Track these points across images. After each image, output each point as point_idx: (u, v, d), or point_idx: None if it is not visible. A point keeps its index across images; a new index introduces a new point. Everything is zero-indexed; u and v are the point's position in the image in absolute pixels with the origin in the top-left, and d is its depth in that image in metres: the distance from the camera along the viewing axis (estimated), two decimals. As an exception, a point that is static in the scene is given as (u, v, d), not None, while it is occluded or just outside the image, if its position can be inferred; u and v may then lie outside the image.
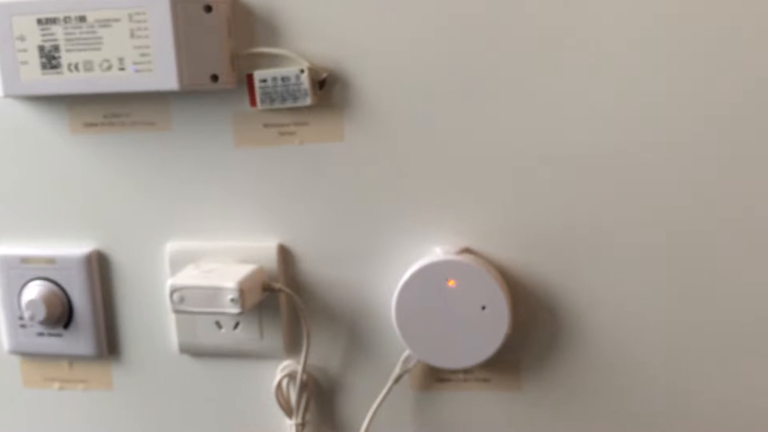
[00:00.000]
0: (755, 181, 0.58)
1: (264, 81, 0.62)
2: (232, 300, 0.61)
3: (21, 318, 0.71)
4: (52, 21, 0.62)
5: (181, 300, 0.62)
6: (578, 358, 0.64)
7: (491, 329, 0.61)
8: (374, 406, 0.65)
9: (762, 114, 0.57)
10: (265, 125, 0.65)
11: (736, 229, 0.59)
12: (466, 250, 0.63)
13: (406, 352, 0.64)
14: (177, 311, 0.62)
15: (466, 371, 0.66)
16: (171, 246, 0.68)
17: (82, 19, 0.61)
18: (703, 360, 0.62)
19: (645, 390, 0.63)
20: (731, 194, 0.59)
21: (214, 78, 0.62)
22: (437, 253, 0.63)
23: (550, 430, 0.65)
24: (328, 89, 0.63)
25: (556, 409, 0.65)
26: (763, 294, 0.60)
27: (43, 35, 0.62)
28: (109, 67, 0.62)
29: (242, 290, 0.61)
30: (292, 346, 0.68)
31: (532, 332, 0.64)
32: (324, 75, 0.62)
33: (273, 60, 0.63)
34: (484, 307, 0.61)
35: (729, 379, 0.62)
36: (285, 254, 0.67)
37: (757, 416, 0.62)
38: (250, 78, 0.63)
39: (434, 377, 0.66)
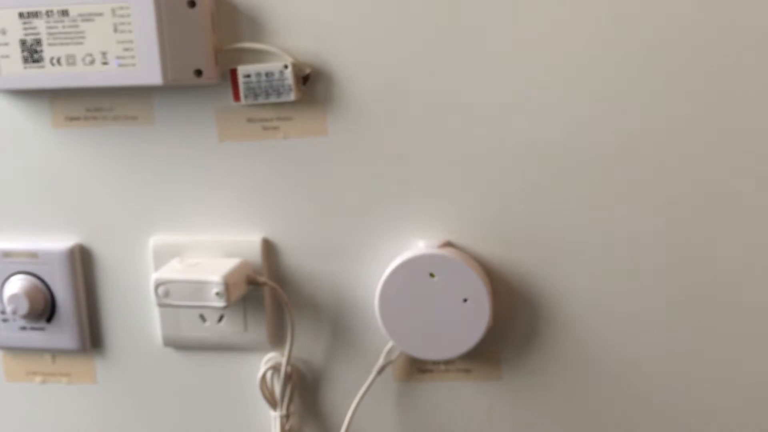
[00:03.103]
0: (732, 175, 0.60)
1: (248, 76, 0.63)
2: (218, 294, 0.61)
3: (3, 312, 0.70)
4: (34, 15, 0.61)
5: (166, 294, 0.62)
6: (556, 348, 0.65)
7: (472, 321, 0.62)
8: (358, 396, 0.66)
9: (734, 110, 0.59)
10: (249, 120, 0.65)
11: (714, 221, 0.61)
12: (448, 244, 0.64)
13: (389, 344, 0.65)
14: (162, 305, 0.62)
15: (447, 362, 0.67)
16: (154, 240, 0.68)
17: (65, 13, 0.61)
18: (679, 349, 0.63)
19: (621, 378, 0.65)
20: (708, 188, 0.60)
21: (198, 73, 0.62)
22: (420, 246, 0.64)
23: (530, 418, 0.67)
24: (311, 84, 0.63)
25: (535, 398, 0.66)
26: (740, 283, 0.61)
27: (25, 29, 0.62)
28: (92, 62, 0.61)
29: (227, 284, 0.61)
30: (276, 339, 0.68)
31: (512, 324, 0.65)
32: (308, 70, 0.63)
33: (257, 55, 0.63)
34: (465, 300, 0.62)
35: (704, 367, 0.63)
36: (269, 248, 0.67)
37: (733, 403, 0.64)
38: (233, 73, 0.63)
39: (416, 368, 0.67)
